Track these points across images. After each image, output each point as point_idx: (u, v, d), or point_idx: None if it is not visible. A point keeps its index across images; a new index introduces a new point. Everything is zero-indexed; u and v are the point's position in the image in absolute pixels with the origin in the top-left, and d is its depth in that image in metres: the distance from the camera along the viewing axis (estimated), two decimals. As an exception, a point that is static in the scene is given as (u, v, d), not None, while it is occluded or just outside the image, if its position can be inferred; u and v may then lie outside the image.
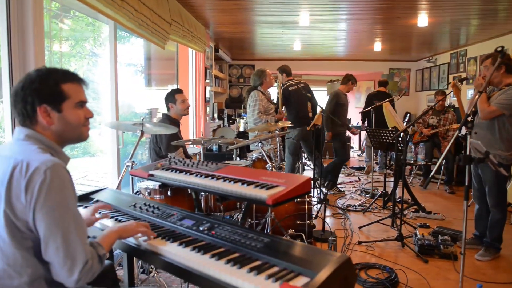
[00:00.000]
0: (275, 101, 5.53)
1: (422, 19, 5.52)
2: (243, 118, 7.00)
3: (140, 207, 1.95)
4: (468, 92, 7.42)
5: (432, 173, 2.77)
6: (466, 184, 2.52)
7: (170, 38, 4.47)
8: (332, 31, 6.78)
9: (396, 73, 10.38)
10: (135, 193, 2.85)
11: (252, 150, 4.65)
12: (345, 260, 1.30)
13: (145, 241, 1.58)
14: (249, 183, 1.66)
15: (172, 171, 1.99)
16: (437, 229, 4.07)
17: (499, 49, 2.73)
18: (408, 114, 9.84)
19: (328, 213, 4.88)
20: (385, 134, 4.72)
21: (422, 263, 3.49)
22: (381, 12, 5.37)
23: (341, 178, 7.11)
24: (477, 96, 3.14)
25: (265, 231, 3.14)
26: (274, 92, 6.26)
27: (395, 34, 6.98)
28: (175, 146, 3.44)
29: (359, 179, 7.04)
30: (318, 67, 10.46)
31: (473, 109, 3.60)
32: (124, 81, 4.84)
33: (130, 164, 2.72)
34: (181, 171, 1.95)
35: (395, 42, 7.79)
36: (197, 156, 4.13)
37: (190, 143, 3.26)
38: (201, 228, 1.65)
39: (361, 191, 5.97)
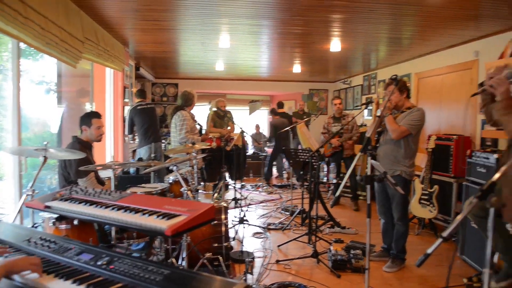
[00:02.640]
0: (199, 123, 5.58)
1: (335, 45, 5.88)
2: (165, 139, 6.82)
3: (35, 242, 1.82)
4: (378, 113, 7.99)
5: (337, 193, 2.94)
6: (368, 202, 2.70)
7: (83, 57, 4.29)
8: (254, 53, 6.96)
9: (315, 94, 10.92)
10: (34, 225, 2.65)
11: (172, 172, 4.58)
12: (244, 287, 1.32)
13: (34, 279, 1.47)
14: (151, 213, 1.63)
15: (71, 201, 1.88)
16: (350, 244, 4.28)
17: (394, 77, 2.99)
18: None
19: (249, 233, 4.91)
20: (301, 154, 4.90)
21: (335, 278, 3.64)
22: (298, 37, 5.64)
23: (263, 196, 7.24)
24: (383, 117, 3.39)
25: (181, 256, 3.08)
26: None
27: (312, 58, 7.36)
28: (85, 171, 3.27)
29: (281, 197, 7.20)
30: (242, 86, 10.66)
31: (380, 129, 3.90)
32: (36, 99, 4.55)
33: (31, 193, 2.52)
34: (81, 201, 1.86)
35: (313, 65, 8.21)
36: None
37: (101, 167, 3.12)
38: (99, 263, 1.57)
39: (282, 209, 6.10)
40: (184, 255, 3.02)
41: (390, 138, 3.74)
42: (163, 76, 9.98)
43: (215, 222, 3.43)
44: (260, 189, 7.84)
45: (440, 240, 1.73)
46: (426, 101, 6.50)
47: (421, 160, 5.05)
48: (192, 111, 5.17)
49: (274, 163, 9.19)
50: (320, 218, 5.22)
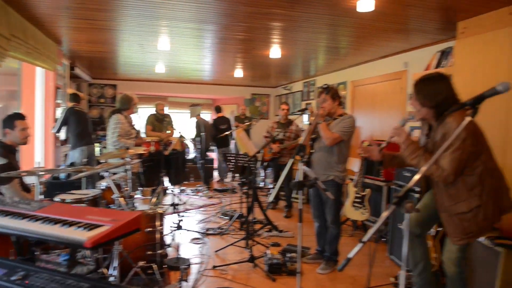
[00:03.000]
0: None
1: (275, 51, 6.00)
2: (100, 142, 6.52)
3: None
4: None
5: (270, 199, 2.99)
6: (300, 207, 2.78)
7: (9, 55, 4.03)
8: (196, 56, 6.90)
9: (258, 98, 11.07)
10: None
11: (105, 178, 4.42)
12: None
13: None
14: (72, 224, 1.56)
15: (-16, 212, 1.76)
16: (286, 247, 4.37)
17: (325, 86, 3.11)
18: (268, 137, 10.53)
19: (187, 239, 4.85)
20: (240, 158, 4.95)
21: (271, 282, 3.69)
22: (240, 42, 5.68)
23: (203, 201, 7.18)
24: (316, 124, 3.50)
25: (112, 266, 2.98)
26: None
27: (254, 63, 7.44)
28: (8, 178, 3.06)
29: (221, 202, 7.17)
30: (184, 89, 10.53)
31: (314, 136, 4.02)
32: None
33: None
34: (-5, 212, 1.74)
35: (255, 70, 8.30)
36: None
37: (25, 174, 2.93)
38: (13, 278, 1.48)
39: (221, 214, 6.07)
40: (116, 264, 2.93)
41: (323, 144, 3.86)
42: (100, 76, 9.59)
43: (150, 229, 3.36)
44: (200, 194, 7.77)
45: (360, 244, 1.82)
46: (360, 108, 6.81)
47: (355, 164, 5.28)
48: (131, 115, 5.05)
49: (215, 166, 9.14)
50: (259, 222, 5.27)
